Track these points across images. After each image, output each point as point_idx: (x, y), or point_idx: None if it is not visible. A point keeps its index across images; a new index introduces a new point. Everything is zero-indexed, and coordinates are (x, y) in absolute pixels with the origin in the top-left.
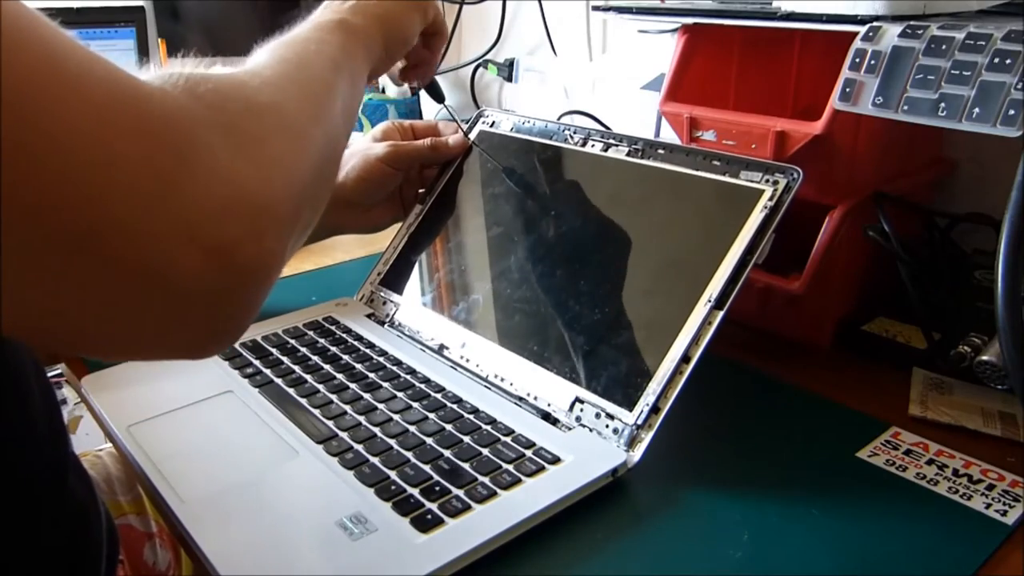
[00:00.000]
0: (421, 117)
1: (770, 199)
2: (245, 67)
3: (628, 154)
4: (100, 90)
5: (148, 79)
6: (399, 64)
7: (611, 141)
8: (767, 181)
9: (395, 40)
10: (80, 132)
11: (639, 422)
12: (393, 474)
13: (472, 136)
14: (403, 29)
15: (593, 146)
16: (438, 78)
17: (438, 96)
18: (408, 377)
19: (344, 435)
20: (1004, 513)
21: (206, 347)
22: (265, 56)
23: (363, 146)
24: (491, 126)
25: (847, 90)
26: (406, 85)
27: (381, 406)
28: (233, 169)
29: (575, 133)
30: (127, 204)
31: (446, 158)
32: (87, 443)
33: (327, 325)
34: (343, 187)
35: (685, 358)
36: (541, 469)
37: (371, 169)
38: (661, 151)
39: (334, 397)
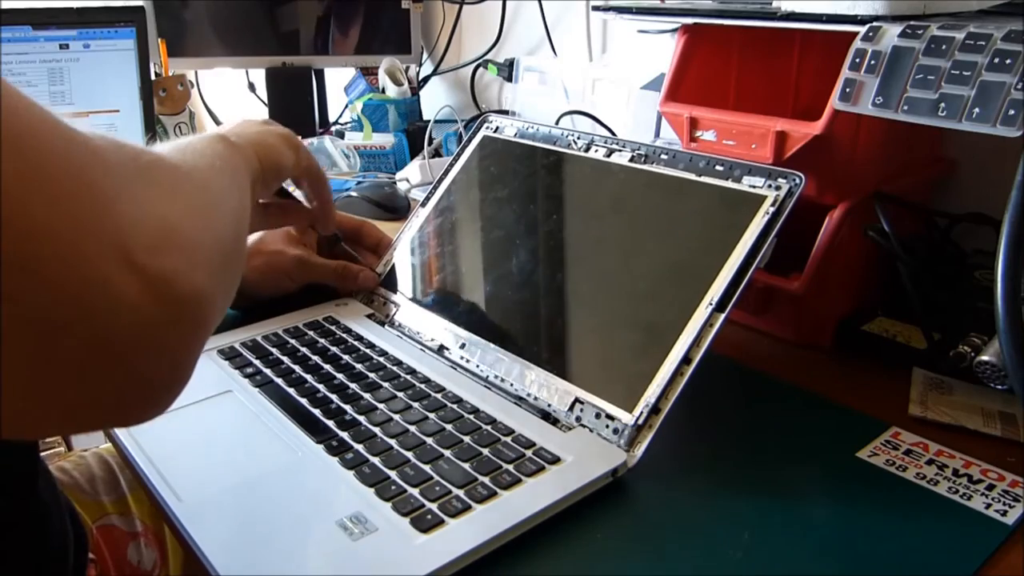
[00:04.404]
0: (421, 117)
1: (772, 204)
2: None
3: (631, 159)
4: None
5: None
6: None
7: (614, 147)
8: (769, 186)
9: (270, 163)
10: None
11: (639, 422)
12: (393, 474)
13: (475, 142)
14: (276, 156)
15: (596, 151)
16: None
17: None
18: (408, 377)
19: (344, 435)
20: (1004, 513)
21: (144, 406)
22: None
23: (277, 244)
24: (495, 131)
25: (847, 90)
26: (406, 84)
27: (381, 406)
28: (161, 207)
29: (578, 139)
30: (59, 221)
31: (347, 290)
32: (86, 442)
33: (327, 325)
34: (243, 280)
35: (686, 359)
36: (541, 469)
37: (274, 275)
38: (664, 156)
39: (334, 397)
